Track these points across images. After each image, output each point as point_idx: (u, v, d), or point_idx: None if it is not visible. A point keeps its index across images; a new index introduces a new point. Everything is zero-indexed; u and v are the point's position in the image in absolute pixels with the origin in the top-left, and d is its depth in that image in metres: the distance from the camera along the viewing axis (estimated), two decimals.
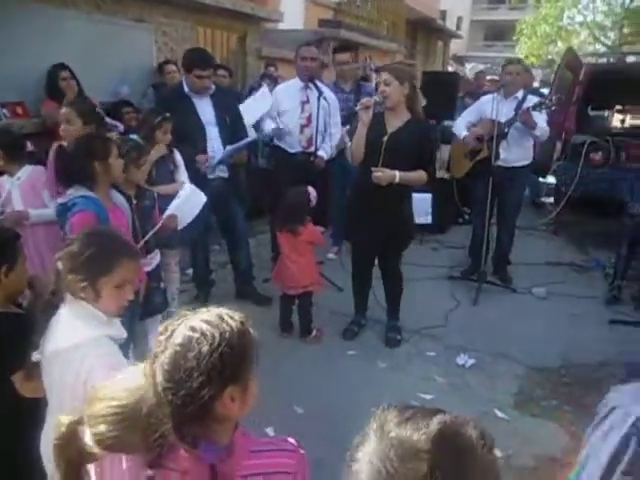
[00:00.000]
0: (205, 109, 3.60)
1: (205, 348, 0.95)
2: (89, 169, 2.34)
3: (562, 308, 4.13)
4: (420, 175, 3.21)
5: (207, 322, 1.00)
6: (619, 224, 4.42)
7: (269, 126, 4.15)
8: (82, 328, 1.48)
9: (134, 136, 2.87)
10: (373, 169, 3.12)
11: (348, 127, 4.50)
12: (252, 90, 6.08)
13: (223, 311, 1.04)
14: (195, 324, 0.99)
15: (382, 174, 3.11)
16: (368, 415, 0.82)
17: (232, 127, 3.69)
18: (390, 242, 3.36)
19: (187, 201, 2.99)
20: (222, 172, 3.73)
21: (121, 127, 4.04)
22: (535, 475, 2.47)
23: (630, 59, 8.00)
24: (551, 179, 6.88)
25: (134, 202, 2.68)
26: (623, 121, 8.48)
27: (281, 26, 7.89)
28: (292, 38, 7.49)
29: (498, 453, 2.71)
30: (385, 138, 3.14)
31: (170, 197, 2.98)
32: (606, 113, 8.27)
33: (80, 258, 1.51)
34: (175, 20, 5.50)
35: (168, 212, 2.87)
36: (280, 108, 4.17)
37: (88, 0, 4.52)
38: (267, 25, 7.37)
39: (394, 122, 3.19)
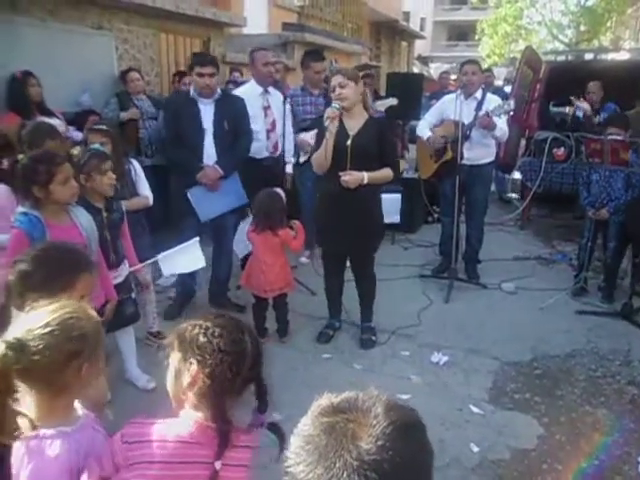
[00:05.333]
0: (207, 114, 3.58)
1: None
2: (28, 193, 2.24)
3: (531, 302, 4.21)
4: (387, 173, 3.23)
5: None
6: (582, 217, 4.53)
7: None
8: None
9: (96, 145, 2.81)
10: (341, 173, 3.13)
11: (317, 131, 4.51)
12: None
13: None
14: None
15: (350, 177, 3.13)
16: None
17: (234, 132, 3.68)
18: (362, 244, 3.37)
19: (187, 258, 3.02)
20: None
21: (80, 136, 3.95)
22: (511, 467, 2.52)
23: (588, 56, 8.21)
24: (517, 175, 7.01)
25: (104, 215, 2.62)
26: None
27: (245, 31, 7.86)
28: (257, 42, 7.45)
29: (475, 448, 2.71)
30: (349, 142, 3.14)
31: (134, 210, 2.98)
32: (567, 109, 8.46)
33: (36, 276, 1.47)
34: (136, 27, 5.42)
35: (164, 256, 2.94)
36: None
37: (40, 6, 4.40)
38: (231, 30, 7.33)
39: (353, 124, 3.20)
